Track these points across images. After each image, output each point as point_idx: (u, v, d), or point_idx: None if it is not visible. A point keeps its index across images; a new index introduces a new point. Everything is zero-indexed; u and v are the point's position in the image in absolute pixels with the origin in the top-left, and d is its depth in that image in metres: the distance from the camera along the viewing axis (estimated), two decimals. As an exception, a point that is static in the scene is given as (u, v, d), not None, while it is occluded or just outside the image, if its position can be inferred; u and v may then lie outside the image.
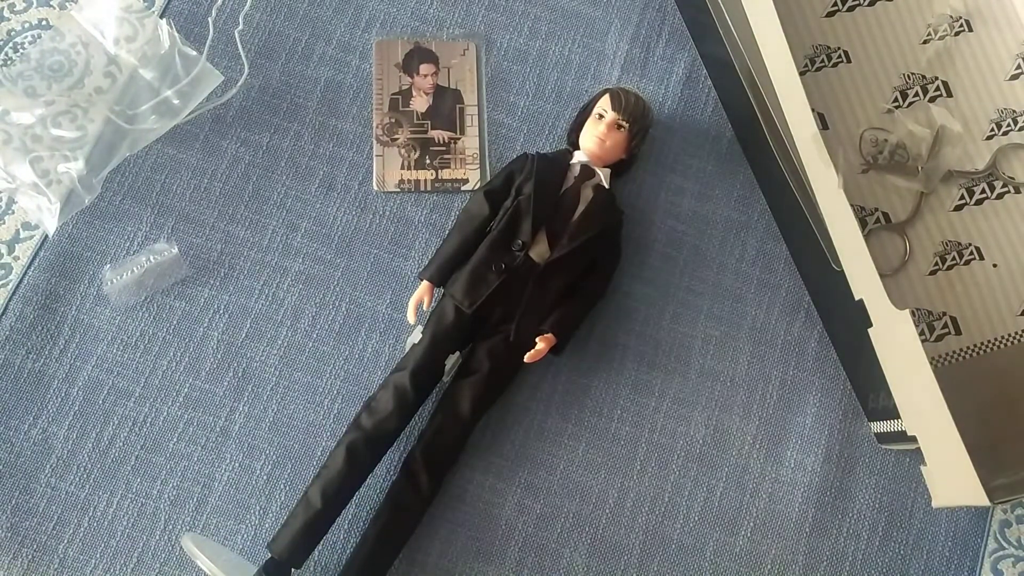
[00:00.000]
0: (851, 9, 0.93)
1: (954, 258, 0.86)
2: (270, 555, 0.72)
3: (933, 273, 0.86)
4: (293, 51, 0.89)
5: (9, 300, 0.81)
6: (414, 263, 0.84)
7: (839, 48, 0.91)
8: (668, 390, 0.83)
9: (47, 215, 0.81)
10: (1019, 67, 0.91)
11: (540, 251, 0.78)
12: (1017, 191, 0.88)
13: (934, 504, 0.74)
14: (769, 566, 0.79)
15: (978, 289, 0.86)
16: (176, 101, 0.84)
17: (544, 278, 0.78)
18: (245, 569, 0.71)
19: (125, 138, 0.83)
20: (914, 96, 0.90)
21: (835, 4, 0.93)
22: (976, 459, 0.66)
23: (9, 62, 0.87)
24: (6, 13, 0.89)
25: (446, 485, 0.78)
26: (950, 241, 0.87)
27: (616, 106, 0.81)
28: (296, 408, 0.80)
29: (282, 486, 0.78)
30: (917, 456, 0.73)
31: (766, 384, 0.84)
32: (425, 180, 0.87)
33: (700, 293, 0.86)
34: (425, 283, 0.79)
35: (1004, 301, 0.85)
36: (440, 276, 0.79)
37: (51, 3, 0.90)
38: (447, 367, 0.78)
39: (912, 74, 0.91)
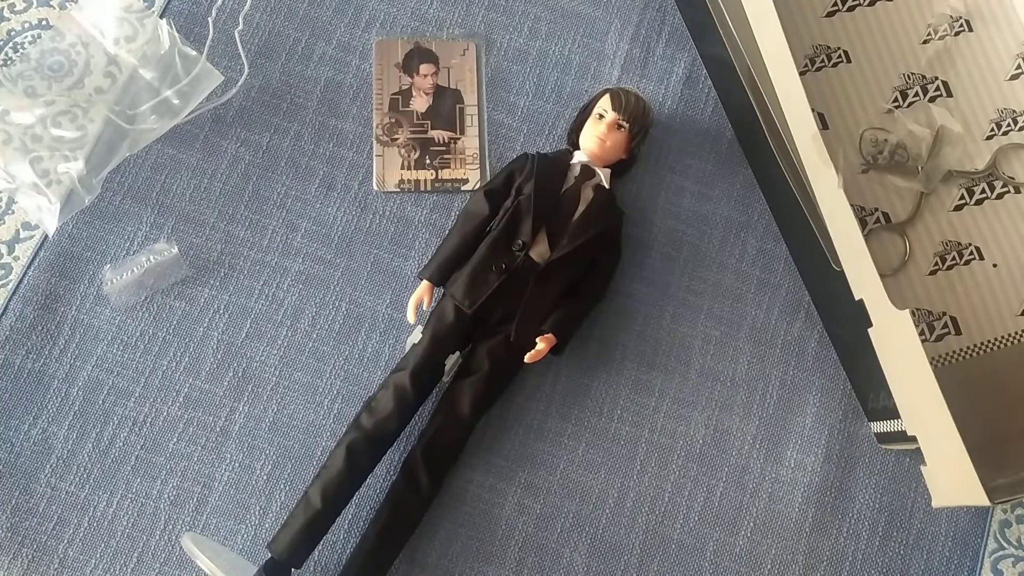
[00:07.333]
0: (851, 9, 0.93)
1: (954, 258, 0.86)
2: (270, 555, 0.72)
3: (933, 273, 0.86)
4: (293, 51, 0.89)
5: (9, 300, 0.81)
6: (414, 263, 0.84)
7: (839, 48, 0.91)
8: (668, 390, 0.83)
9: (47, 215, 0.81)
10: (1019, 67, 0.91)
11: (540, 251, 0.78)
12: (1017, 191, 0.88)
13: (934, 504, 0.74)
14: (769, 566, 0.79)
15: (978, 289, 0.86)
16: (176, 101, 0.84)
17: (544, 278, 0.78)
18: (245, 569, 0.71)
19: (125, 138, 0.83)
20: (914, 96, 0.90)
21: (835, 4, 0.93)
22: (976, 459, 0.66)
23: (9, 62, 0.87)
24: (6, 13, 0.89)
25: (446, 485, 0.78)
26: (950, 241, 0.87)
27: (616, 106, 0.81)
28: (296, 408, 0.80)
29: (282, 486, 0.78)
30: (917, 456, 0.73)
31: (766, 384, 0.84)
32: (425, 180, 0.87)
33: (700, 293, 0.86)
34: (425, 283, 0.79)
35: (1004, 301, 0.85)
36: (440, 276, 0.79)
37: (51, 3, 0.90)
38: (447, 367, 0.78)
39: (912, 74, 0.91)
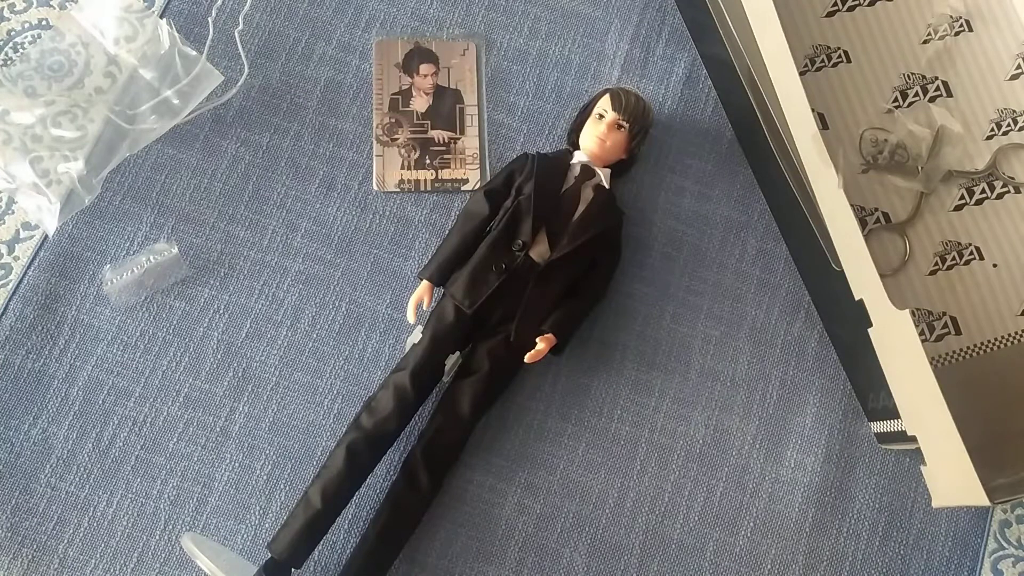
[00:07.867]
0: (851, 9, 0.93)
1: (954, 258, 0.86)
2: (270, 555, 0.72)
3: (933, 273, 0.86)
4: (293, 51, 0.89)
5: (9, 300, 0.81)
6: (414, 263, 0.84)
7: (839, 48, 0.91)
8: (668, 390, 0.83)
9: (47, 215, 0.81)
10: (1019, 67, 0.91)
11: (540, 251, 0.78)
12: (1017, 191, 0.88)
13: (934, 504, 0.74)
14: (769, 566, 0.79)
15: (978, 289, 0.86)
16: (176, 101, 0.84)
17: (544, 278, 0.78)
18: (245, 569, 0.71)
19: (125, 138, 0.83)
20: (914, 96, 0.90)
21: (835, 4, 0.93)
22: (976, 459, 0.66)
23: (9, 62, 0.87)
24: (6, 13, 0.89)
25: (446, 485, 0.78)
26: (950, 241, 0.87)
27: (616, 106, 0.81)
28: (296, 408, 0.80)
29: (282, 486, 0.78)
30: (917, 456, 0.73)
31: (766, 384, 0.84)
32: (425, 180, 0.87)
33: (700, 293, 0.86)
34: (425, 283, 0.79)
35: (1004, 301, 0.85)
36: (440, 276, 0.79)
37: (51, 3, 0.90)
38: (447, 367, 0.78)
39: (912, 74, 0.91)
